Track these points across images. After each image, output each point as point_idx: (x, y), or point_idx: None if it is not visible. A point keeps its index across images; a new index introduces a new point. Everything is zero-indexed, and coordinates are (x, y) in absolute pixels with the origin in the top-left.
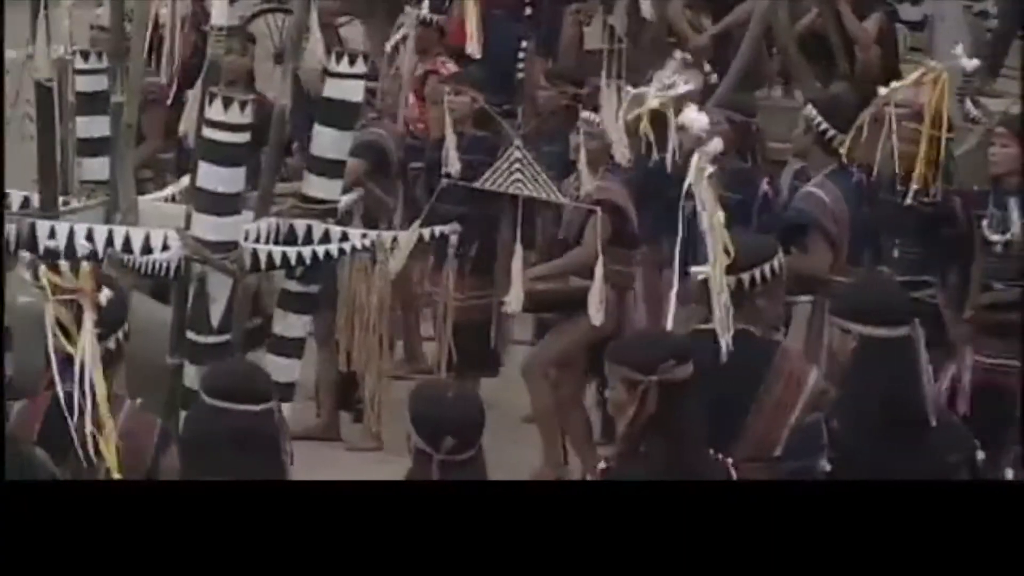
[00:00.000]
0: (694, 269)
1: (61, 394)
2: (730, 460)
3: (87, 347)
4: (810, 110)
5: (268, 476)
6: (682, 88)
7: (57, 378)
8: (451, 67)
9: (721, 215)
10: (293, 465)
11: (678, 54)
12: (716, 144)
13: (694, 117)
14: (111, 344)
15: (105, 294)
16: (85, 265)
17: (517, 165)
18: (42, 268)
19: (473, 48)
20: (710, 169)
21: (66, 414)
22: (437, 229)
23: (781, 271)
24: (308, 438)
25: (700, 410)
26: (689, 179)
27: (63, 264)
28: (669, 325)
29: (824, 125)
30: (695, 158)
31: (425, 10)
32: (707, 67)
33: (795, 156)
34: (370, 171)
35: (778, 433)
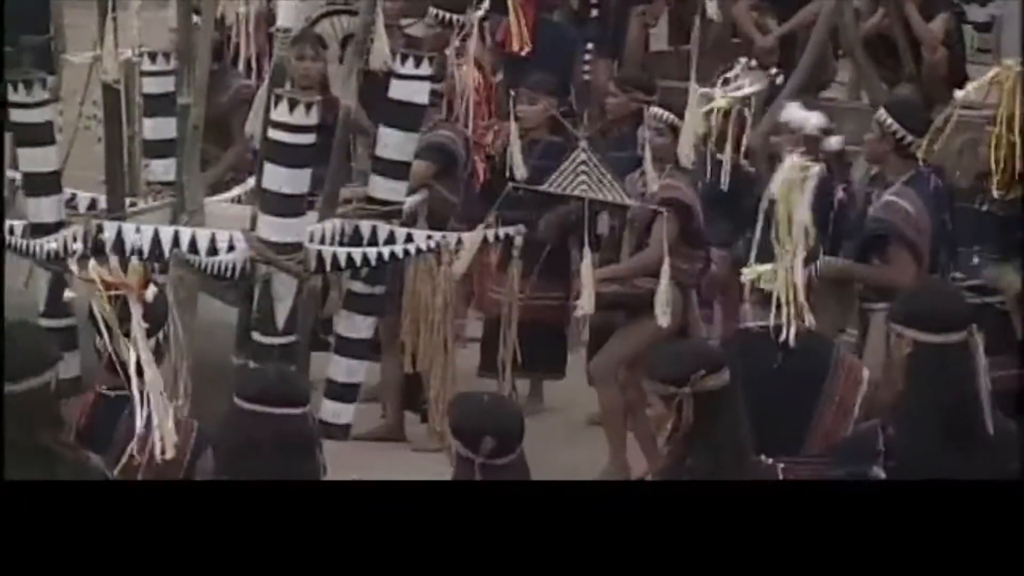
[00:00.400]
0: (745, 272)
1: (135, 394)
2: (780, 465)
3: (139, 341)
4: (883, 115)
5: (303, 479)
6: (748, 89)
7: (132, 374)
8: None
9: (808, 215)
10: (345, 467)
11: (743, 60)
12: (838, 141)
13: (804, 115)
14: (151, 344)
15: (151, 291)
16: (135, 261)
17: (583, 167)
18: (91, 263)
19: (520, 47)
20: (815, 168)
21: (137, 410)
22: (502, 231)
23: (824, 271)
24: (373, 439)
25: (742, 417)
26: (780, 181)
27: (112, 259)
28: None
29: (901, 131)
30: (789, 161)
31: (483, 10)
32: (773, 69)
33: (870, 162)
34: (438, 173)
35: (845, 430)
